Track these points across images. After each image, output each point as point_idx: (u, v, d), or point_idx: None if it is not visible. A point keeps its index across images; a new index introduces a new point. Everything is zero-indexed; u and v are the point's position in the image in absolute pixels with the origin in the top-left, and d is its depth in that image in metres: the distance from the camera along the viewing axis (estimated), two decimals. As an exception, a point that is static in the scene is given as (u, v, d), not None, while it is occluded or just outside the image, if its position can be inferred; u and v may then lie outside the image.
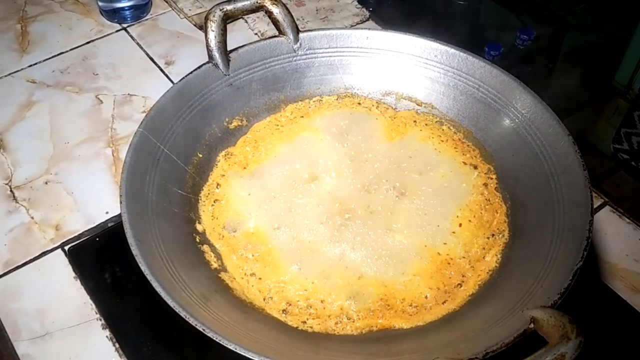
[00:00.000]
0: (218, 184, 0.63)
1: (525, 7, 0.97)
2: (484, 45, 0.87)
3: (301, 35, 0.68)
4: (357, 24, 0.97)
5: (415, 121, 0.68)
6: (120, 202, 0.52)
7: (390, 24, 0.97)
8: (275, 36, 0.68)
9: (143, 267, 0.48)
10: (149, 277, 0.47)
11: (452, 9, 0.98)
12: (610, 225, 0.70)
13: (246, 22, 0.96)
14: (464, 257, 0.57)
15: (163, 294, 0.46)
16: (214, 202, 0.61)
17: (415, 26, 0.89)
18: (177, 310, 0.45)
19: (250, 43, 0.67)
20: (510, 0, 0.99)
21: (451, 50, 0.66)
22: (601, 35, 0.98)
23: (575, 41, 0.95)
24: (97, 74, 0.88)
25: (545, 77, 0.91)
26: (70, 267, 0.66)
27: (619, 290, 0.65)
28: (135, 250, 0.49)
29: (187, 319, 0.45)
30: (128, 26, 0.96)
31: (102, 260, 0.67)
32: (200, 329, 0.44)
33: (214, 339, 0.44)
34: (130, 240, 0.49)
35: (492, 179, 0.63)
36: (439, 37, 0.68)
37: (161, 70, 0.89)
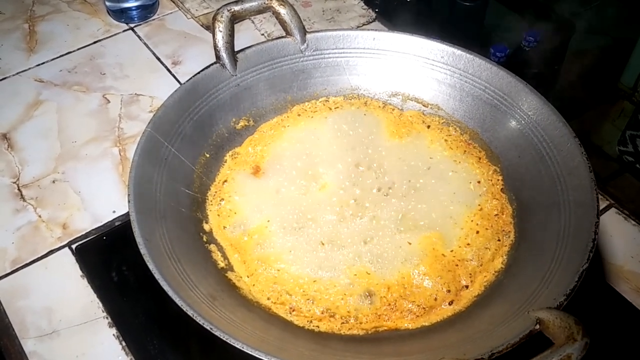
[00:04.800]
0: (225, 182, 0.63)
1: (531, 8, 0.97)
2: (490, 46, 0.87)
3: (308, 36, 0.68)
4: (364, 25, 0.97)
5: (421, 122, 0.68)
6: (128, 201, 0.52)
7: (396, 25, 0.97)
8: (282, 37, 0.68)
9: (151, 266, 0.48)
10: (157, 275, 0.47)
11: (458, 10, 0.98)
12: (616, 227, 0.70)
13: (253, 22, 0.97)
14: (471, 259, 0.57)
15: (171, 293, 0.46)
16: (221, 201, 0.62)
17: (421, 27, 0.89)
18: (184, 309, 0.46)
19: (258, 44, 0.67)
20: (516, 1, 0.99)
21: (458, 51, 0.66)
22: (607, 38, 0.98)
23: (581, 43, 0.94)
24: (104, 74, 0.89)
25: (551, 79, 0.91)
26: (77, 266, 0.66)
27: (624, 292, 0.65)
28: (143, 249, 0.49)
29: (194, 318, 0.45)
30: (135, 26, 0.97)
31: (109, 258, 0.67)
32: (208, 328, 0.45)
33: (222, 337, 0.44)
34: (138, 239, 0.50)
35: (498, 180, 0.63)
36: (445, 38, 0.68)
37: (168, 70, 0.89)
